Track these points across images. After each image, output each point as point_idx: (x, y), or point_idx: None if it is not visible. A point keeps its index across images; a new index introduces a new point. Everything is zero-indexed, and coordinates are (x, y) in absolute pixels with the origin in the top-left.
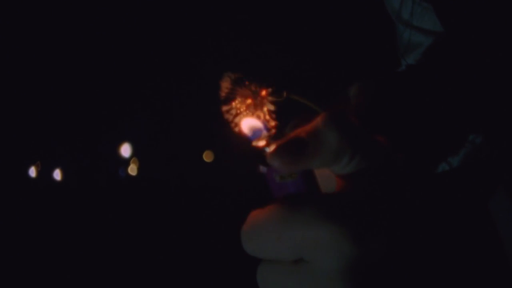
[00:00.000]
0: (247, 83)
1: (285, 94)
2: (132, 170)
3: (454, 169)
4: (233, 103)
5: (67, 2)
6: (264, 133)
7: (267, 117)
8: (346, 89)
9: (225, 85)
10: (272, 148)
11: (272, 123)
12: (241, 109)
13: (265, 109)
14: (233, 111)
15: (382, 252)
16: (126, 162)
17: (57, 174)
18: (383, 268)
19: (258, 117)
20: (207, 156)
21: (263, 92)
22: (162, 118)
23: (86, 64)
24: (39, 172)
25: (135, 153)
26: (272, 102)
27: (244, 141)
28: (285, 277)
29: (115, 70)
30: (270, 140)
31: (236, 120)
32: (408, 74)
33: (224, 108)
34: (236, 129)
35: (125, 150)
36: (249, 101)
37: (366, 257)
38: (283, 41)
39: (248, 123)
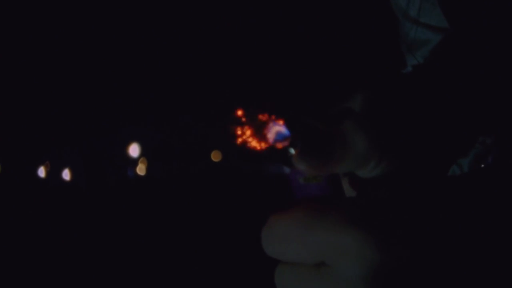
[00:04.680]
0: (255, 114)
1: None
2: (141, 170)
3: (472, 172)
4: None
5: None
6: (287, 134)
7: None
8: (348, 99)
9: (234, 127)
10: (297, 150)
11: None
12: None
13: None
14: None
15: (405, 259)
16: (134, 162)
17: (66, 174)
18: (405, 275)
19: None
20: (215, 156)
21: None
22: (170, 118)
23: (94, 65)
24: (48, 172)
25: (143, 153)
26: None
27: (267, 144)
28: (306, 280)
29: (123, 70)
30: (294, 141)
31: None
32: (415, 76)
33: (240, 140)
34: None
35: (134, 150)
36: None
37: (390, 264)
38: (281, 46)
39: (273, 129)
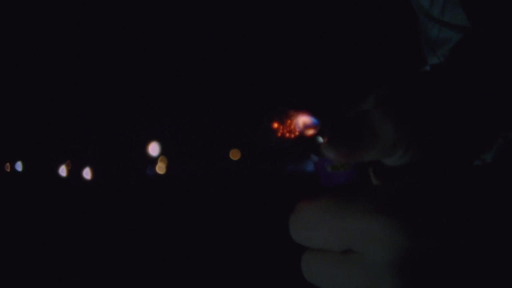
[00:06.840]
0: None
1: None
2: (160, 168)
3: (500, 162)
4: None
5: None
6: (315, 123)
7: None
8: (365, 98)
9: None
10: (326, 138)
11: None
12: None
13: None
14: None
15: (434, 246)
16: (154, 160)
17: (87, 173)
18: (433, 262)
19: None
20: (234, 155)
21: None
22: (189, 117)
23: (115, 66)
24: (69, 171)
25: (163, 151)
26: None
27: (296, 134)
28: (333, 267)
29: (144, 71)
30: (323, 130)
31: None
32: (435, 71)
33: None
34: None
35: (153, 149)
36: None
37: (418, 251)
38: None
39: (300, 119)
